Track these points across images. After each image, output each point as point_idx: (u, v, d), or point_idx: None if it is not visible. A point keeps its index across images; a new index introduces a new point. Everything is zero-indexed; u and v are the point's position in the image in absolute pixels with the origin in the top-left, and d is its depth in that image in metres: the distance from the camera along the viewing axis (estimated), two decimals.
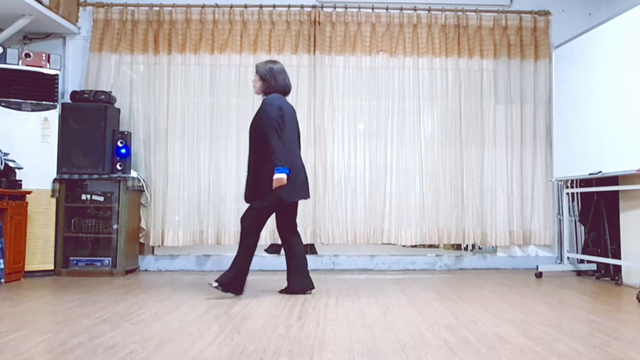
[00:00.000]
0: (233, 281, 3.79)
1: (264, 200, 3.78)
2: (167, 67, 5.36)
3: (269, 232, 5.16)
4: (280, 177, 3.67)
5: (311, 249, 5.54)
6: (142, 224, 5.26)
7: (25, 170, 4.65)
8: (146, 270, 5.32)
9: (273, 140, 3.72)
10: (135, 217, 5.15)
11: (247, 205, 3.91)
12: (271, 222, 5.24)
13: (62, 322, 2.90)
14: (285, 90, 3.96)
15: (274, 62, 4.00)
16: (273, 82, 3.90)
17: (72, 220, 4.90)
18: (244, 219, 3.87)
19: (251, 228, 3.84)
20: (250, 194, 3.87)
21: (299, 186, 3.87)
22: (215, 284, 3.76)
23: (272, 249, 5.60)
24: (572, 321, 3.00)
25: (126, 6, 5.38)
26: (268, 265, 5.35)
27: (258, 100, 5.30)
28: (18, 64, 4.80)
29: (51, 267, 4.81)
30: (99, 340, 2.51)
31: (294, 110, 3.99)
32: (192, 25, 5.40)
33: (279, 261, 5.39)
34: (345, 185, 5.38)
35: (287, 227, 4.02)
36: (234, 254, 3.86)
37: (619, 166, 4.19)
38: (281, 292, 3.99)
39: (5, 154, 4.53)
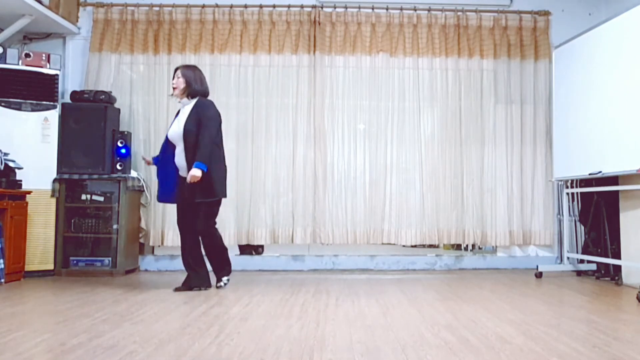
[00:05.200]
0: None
1: (210, 197, 3.95)
2: (167, 67, 5.35)
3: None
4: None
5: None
6: (142, 224, 5.26)
7: (25, 170, 4.64)
8: (146, 270, 5.32)
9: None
10: (135, 217, 5.15)
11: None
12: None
13: (62, 322, 2.90)
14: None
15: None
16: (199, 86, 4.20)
17: (72, 220, 4.90)
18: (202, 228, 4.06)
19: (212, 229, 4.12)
20: (196, 193, 3.93)
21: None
22: None
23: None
24: (572, 321, 3.00)
25: (126, 6, 5.38)
26: (268, 265, 5.35)
27: (258, 99, 5.36)
28: (18, 64, 4.80)
29: (51, 267, 4.80)
30: (99, 340, 2.51)
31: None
32: (192, 25, 5.40)
33: (280, 261, 5.41)
34: (345, 185, 5.38)
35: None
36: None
37: (618, 166, 4.19)
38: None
39: (5, 154, 4.53)
